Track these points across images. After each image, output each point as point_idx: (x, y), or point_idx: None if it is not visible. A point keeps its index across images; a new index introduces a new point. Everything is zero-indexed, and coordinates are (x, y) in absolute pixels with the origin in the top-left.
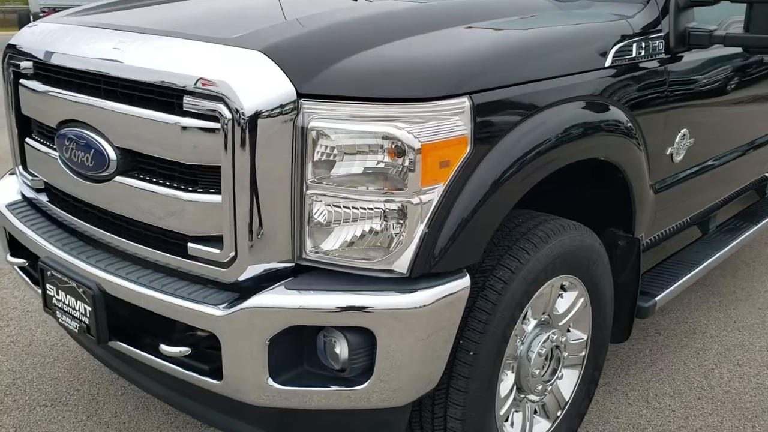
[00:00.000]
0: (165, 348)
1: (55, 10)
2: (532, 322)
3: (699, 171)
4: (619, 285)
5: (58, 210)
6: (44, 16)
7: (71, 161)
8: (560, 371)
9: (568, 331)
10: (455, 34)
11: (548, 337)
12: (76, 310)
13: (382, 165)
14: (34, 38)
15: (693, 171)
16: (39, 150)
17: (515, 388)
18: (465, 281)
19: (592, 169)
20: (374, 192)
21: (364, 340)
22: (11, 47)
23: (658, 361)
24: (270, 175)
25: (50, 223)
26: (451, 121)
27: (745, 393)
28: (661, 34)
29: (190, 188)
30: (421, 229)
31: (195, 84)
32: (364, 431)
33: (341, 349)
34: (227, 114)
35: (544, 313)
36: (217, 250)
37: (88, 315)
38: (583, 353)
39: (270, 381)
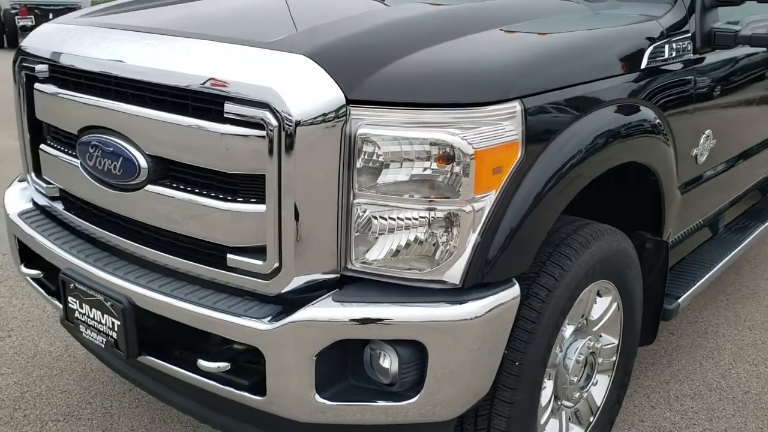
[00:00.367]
0: (203, 363)
1: (26, 6)
2: (569, 329)
3: (718, 172)
4: (646, 288)
5: (77, 219)
6: (16, 13)
7: (95, 169)
8: (594, 377)
9: (600, 336)
10: (495, 37)
11: (585, 344)
12: (102, 324)
13: (434, 172)
14: (49, 40)
15: (713, 172)
16: (56, 157)
17: (552, 396)
18: (515, 290)
19: (618, 171)
20: (425, 200)
21: (414, 353)
22: (23, 50)
23: (674, 362)
24: (317, 183)
25: (68, 233)
26: (502, 126)
27: (764, 393)
28: (689, 34)
29: (229, 197)
30: (473, 238)
31: (238, 90)
32: None
33: (391, 362)
34: (273, 121)
35: (581, 319)
36: (259, 262)
37: (116, 329)
38: (614, 358)
39: (317, 396)
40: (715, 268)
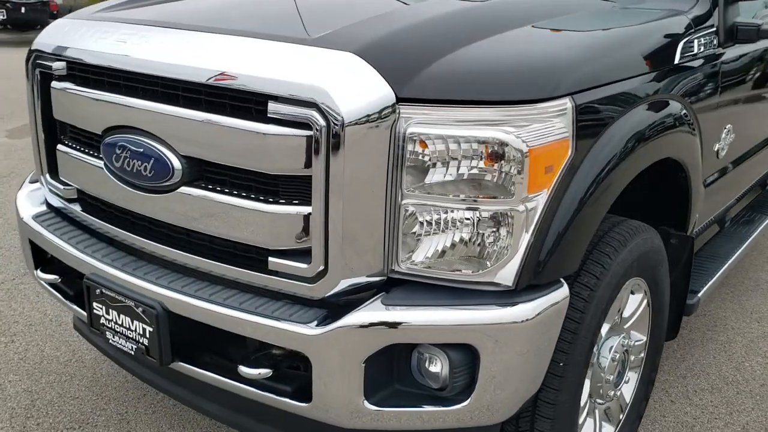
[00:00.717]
0: (244, 370)
1: None
2: (605, 327)
3: (733, 166)
4: (670, 283)
5: (98, 222)
6: None
7: (122, 171)
8: (626, 375)
9: (630, 333)
10: (536, 33)
11: (619, 342)
12: (132, 331)
13: (486, 172)
14: (67, 37)
15: (731, 167)
16: (75, 158)
17: (587, 395)
18: (564, 291)
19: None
20: (477, 200)
21: (465, 356)
22: (37, 47)
23: (688, 357)
24: (365, 183)
25: (88, 236)
26: (553, 124)
27: None
28: (714, 28)
29: (270, 199)
30: (526, 238)
31: (283, 90)
32: None
33: (441, 366)
34: (321, 121)
35: (616, 317)
36: (303, 265)
37: (147, 336)
38: (642, 355)
39: (365, 403)
40: (730, 262)
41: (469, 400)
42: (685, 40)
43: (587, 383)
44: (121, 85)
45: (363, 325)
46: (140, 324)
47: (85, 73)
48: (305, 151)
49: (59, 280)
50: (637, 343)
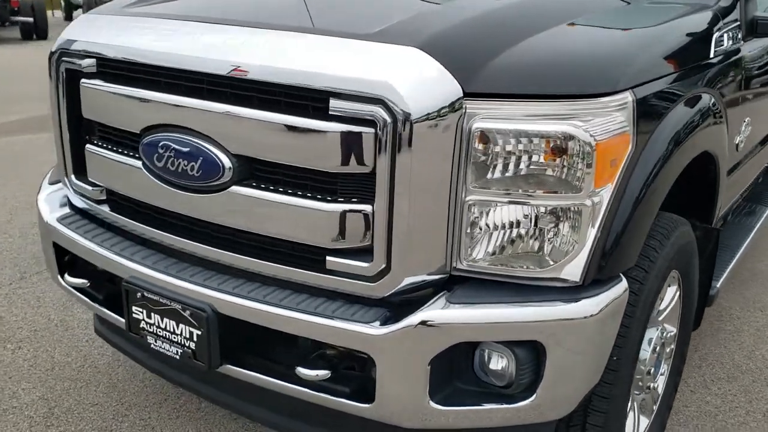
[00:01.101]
0: (303, 371)
1: None
2: None
3: (746, 159)
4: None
5: (132, 223)
6: None
7: (165, 171)
8: (662, 367)
9: (664, 325)
10: (583, 28)
11: (657, 334)
12: (177, 335)
13: (554, 166)
14: (98, 33)
15: (744, 160)
16: (108, 158)
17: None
18: (623, 285)
19: None
20: (544, 196)
21: (532, 353)
22: (63, 43)
23: (700, 347)
24: (430, 180)
25: (121, 238)
26: (615, 118)
27: None
28: (738, 23)
29: (328, 197)
30: (592, 233)
31: (346, 86)
32: None
33: (507, 364)
34: (387, 117)
35: (656, 310)
36: (364, 263)
37: (195, 339)
38: (673, 346)
39: (431, 402)
40: (740, 252)
41: (533, 396)
42: (717, 34)
43: None
44: (162, 82)
45: (431, 324)
46: (187, 327)
47: (120, 70)
48: (369, 148)
49: (88, 284)
50: (669, 335)
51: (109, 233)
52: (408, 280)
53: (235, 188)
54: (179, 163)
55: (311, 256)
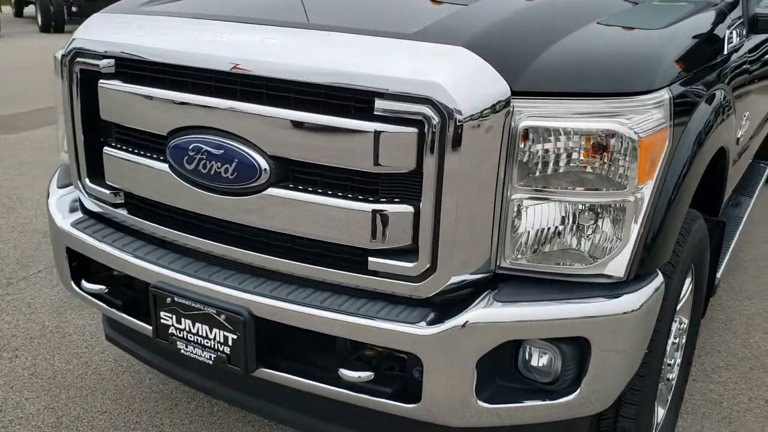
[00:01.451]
0: (346, 373)
1: None
2: None
3: (743, 152)
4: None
5: (156, 227)
6: None
7: (196, 173)
8: (678, 357)
9: (679, 317)
10: (612, 28)
11: (676, 326)
12: (210, 340)
13: (599, 163)
14: (117, 33)
15: (741, 152)
16: (129, 161)
17: None
18: (660, 280)
19: None
20: (589, 193)
21: (576, 349)
22: (77, 43)
23: None
24: (477, 179)
25: (143, 242)
26: (653, 115)
27: None
28: (742, 19)
29: (370, 198)
30: (636, 229)
31: (393, 86)
32: None
33: (553, 360)
34: (436, 117)
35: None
36: (408, 264)
37: (230, 344)
38: (685, 337)
39: (477, 401)
40: (733, 242)
41: (577, 391)
42: (728, 30)
43: None
44: (190, 83)
45: (480, 323)
46: (221, 332)
47: (143, 71)
48: (415, 148)
49: (106, 290)
50: (684, 326)
51: (129, 237)
52: (453, 280)
53: (272, 190)
54: (212, 165)
55: (351, 257)
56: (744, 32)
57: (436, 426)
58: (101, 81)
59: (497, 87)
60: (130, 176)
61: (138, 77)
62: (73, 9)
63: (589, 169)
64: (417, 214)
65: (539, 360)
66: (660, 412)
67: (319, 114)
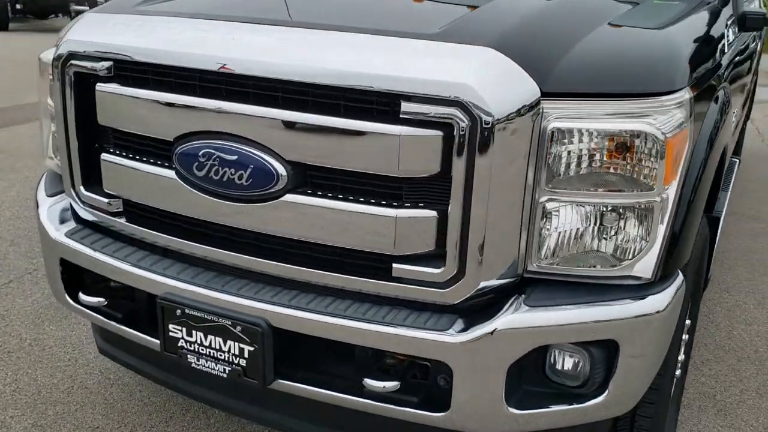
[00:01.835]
0: (371, 383)
1: None
2: None
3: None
4: None
5: (159, 235)
6: None
7: (207, 180)
8: (682, 353)
9: None
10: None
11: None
12: (224, 352)
13: (627, 164)
14: (115, 34)
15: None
16: (130, 167)
17: None
18: (681, 279)
19: None
20: (617, 194)
21: (605, 352)
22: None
23: None
24: (506, 182)
25: (145, 252)
26: (675, 115)
27: None
28: (734, 18)
29: (394, 203)
30: (662, 230)
31: (420, 88)
32: None
33: (582, 364)
34: (465, 119)
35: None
36: (435, 270)
37: (246, 356)
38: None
39: (507, 407)
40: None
41: (605, 393)
42: (726, 29)
43: None
44: (199, 86)
45: (511, 329)
46: (236, 344)
47: (147, 74)
48: (442, 151)
49: (105, 303)
50: (688, 322)
51: (129, 247)
52: (482, 285)
53: (289, 196)
54: (225, 172)
55: (374, 264)
56: (736, 30)
57: None
58: (99, 84)
59: (528, 88)
60: (130, 184)
61: (140, 80)
62: (18, 6)
63: (615, 170)
64: (443, 219)
65: (567, 363)
66: None
67: (341, 117)
